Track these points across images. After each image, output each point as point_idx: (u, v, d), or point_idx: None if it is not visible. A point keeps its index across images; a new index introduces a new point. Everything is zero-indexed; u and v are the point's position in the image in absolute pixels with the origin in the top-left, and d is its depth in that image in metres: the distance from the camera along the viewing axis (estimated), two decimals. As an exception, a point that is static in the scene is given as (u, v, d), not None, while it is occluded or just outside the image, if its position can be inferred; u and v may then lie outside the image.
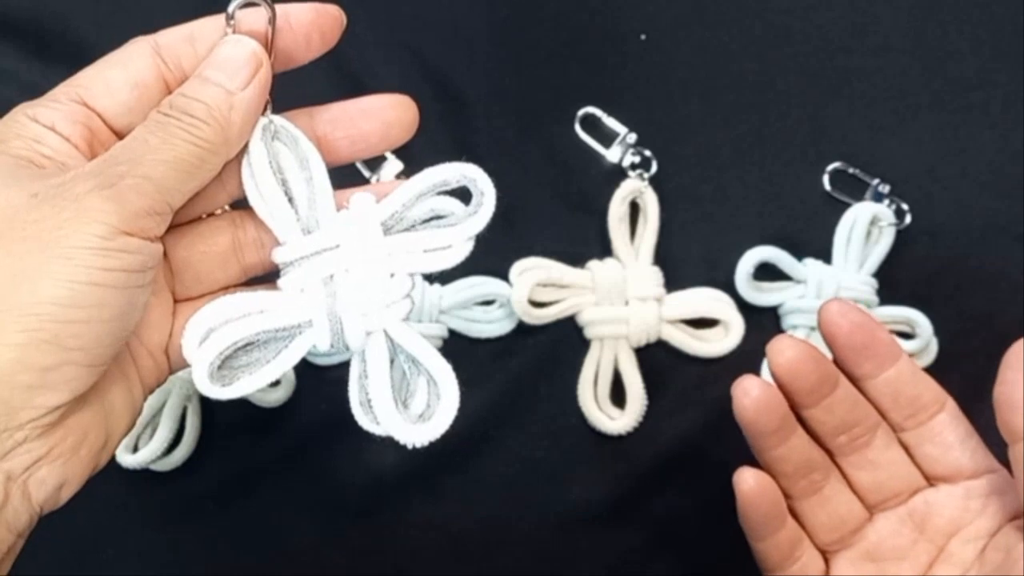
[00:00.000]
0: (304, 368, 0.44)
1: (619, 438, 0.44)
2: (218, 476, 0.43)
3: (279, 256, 0.32)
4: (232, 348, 0.31)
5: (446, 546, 0.43)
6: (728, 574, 0.44)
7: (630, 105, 0.45)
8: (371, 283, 0.31)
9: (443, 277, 0.44)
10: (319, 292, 0.31)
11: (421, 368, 0.32)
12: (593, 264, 0.44)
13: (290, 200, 0.32)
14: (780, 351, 0.35)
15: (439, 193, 0.32)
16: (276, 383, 0.43)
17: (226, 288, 0.33)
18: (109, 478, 0.43)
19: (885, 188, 0.45)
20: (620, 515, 0.44)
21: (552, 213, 0.45)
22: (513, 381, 0.44)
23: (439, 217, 0.32)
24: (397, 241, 0.32)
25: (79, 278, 0.27)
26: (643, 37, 0.46)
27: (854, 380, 0.36)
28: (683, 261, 0.45)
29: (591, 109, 0.45)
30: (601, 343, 0.44)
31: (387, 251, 0.32)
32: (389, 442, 0.32)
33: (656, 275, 0.44)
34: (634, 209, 0.45)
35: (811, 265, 0.44)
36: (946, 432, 0.36)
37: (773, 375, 0.35)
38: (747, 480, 0.36)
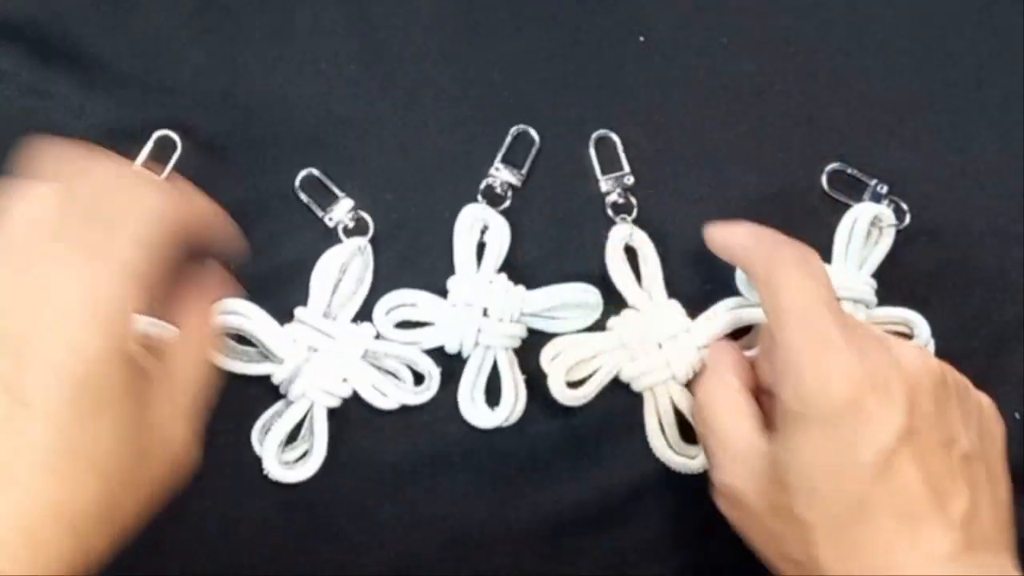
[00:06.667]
0: (304, 368, 0.44)
1: (615, 438, 0.44)
2: (217, 474, 0.43)
3: (303, 315, 0.43)
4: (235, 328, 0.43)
5: (446, 546, 0.43)
6: (728, 574, 0.44)
7: (628, 106, 0.45)
8: (331, 373, 0.43)
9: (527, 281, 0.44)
10: (302, 351, 0.43)
11: None
12: (613, 322, 0.44)
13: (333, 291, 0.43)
14: None
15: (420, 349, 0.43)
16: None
17: None
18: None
19: (883, 188, 0.45)
20: (619, 515, 0.44)
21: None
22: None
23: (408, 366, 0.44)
24: (362, 366, 0.43)
25: None
26: (641, 39, 0.46)
27: None
28: (687, 270, 0.45)
29: (608, 133, 0.45)
30: (652, 392, 0.44)
31: (353, 368, 0.43)
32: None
33: (676, 308, 0.44)
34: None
35: None
36: None
37: None
38: None
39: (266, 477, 0.43)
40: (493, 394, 0.44)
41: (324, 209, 0.44)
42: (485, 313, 0.43)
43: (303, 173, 0.45)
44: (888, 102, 0.46)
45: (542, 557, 0.44)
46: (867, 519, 0.34)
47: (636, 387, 0.44)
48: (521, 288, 0.44)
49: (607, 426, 0.44)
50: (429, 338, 0.43)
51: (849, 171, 0.45)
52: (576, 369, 0.43)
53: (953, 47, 0.46)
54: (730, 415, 0.39)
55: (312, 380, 0.42)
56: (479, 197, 0.45)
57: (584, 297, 0.44)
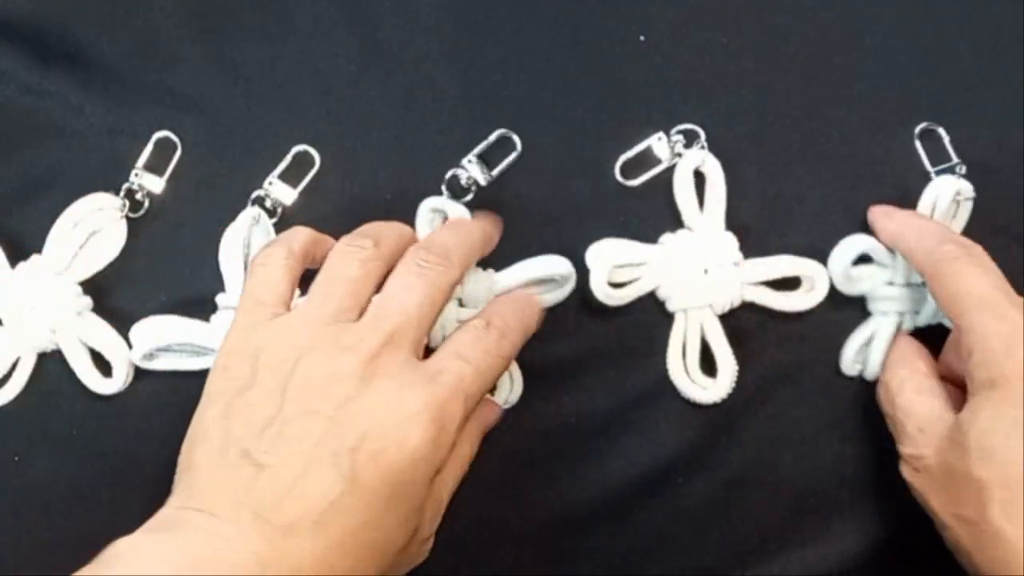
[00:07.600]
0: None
1: (615, 437, 0.44)
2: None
3: (222, 299, 0.43)
4: (163, 345, 0.43)
5: (446, 546, 0.43)
6: (729, 575, 0.44)
7: (628, 106, 0.46)
8: None
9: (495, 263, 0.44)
10: None
11: None
12: (666, 237, 0.44)
13: (245, 267, 0.43)
14: None
15: None
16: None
17: None
18: (112, 478, 0.44)
19: (962, 169, 0.45)
20: (620, 515, 0.44)
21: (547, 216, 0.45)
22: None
23: None
24: None
25: None
26: (642, 39, 0.46)
27: None
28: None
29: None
30: (685, 314, 0.44)
31: None
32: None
33: (731, 240, 0.44)
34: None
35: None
36: None
37: None
38: None
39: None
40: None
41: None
42: (461, 304, 0.43)
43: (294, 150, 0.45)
44: (888, 102, 0.46)
45: (542, 557, 0.44)
46: None
47: (671, 307, 0.44)
48: (491, 271, 0.43)
49: (607, 425, 0.44)
50: None
51: (940, 132, 0.46)
52: (619, 273, 0.43)
53: (953, 47, 0.46)
54: (920, 395, 0.41)
55: None
56: (443, 188, 0.45)
57: (555, 268, 0.43)
